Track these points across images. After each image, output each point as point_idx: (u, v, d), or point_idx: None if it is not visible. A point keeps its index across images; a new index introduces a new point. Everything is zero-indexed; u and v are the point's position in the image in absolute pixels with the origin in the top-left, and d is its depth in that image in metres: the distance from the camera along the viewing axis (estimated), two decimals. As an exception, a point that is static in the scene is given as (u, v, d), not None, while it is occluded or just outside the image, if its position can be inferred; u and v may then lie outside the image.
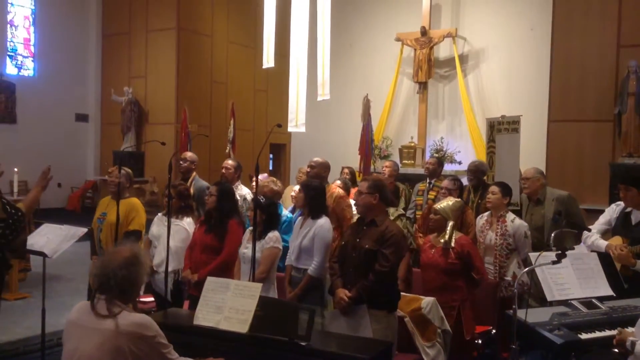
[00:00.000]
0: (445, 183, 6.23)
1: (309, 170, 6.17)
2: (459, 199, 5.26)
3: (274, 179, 6.34)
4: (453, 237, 4.81)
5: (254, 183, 6.73)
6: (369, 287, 4.02)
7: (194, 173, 6.85)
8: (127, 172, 5.59)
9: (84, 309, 2.81)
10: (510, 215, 5.49)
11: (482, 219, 5.66)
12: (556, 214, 5.48)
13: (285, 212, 5.87)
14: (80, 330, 2.76)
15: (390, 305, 4.13)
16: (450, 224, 4.85)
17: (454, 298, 4.68)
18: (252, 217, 4.62)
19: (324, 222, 4.77)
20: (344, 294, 4.09)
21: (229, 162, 6.76)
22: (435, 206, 5.12)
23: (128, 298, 2.81)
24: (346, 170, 7.76)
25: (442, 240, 4.83)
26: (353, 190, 6.72)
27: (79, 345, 2.73)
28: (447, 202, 5.01)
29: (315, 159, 6.28)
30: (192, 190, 6.30)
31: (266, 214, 4.85)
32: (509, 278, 5.30)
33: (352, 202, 6.15)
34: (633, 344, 3.00)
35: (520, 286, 5.10)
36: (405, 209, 7.25)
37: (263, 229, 4.81)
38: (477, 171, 6.89)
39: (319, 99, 9.44)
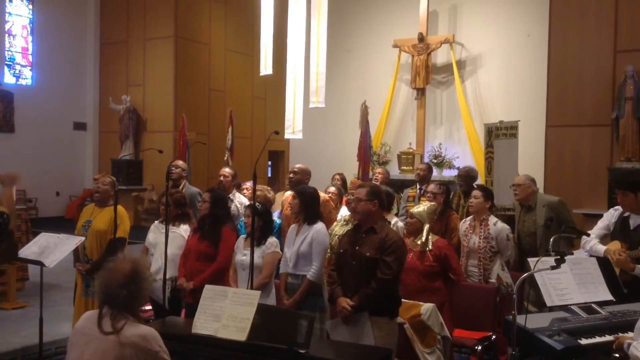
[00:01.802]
0: (431, 187, 6.28)
1: (291, 176, 6.28)
2: (434, 203, 5.34)
3: (268, 187, 6.50)
4: (430, 240, 4.88)
5: (244, 191, 6.91)
6: (371, 295, 4.00)
7: (184, 180, 7.01)
8: (111, 179, 5.62)
9: (91, 318, 2.85)
10: (493, 219, 5.58)
11: (466, 223, 5.75)
12: (548, 220, 5.51)
13: (274, 218, 5.93)
14: (85, 339, 2.78)
15: (391, 312, 4.12)
16: (426, 227, 4.92)
17: (433, 300, 4.69)
18: (248, 223, 4.63)
19: (320, 227, 4.76)
20: (346, 302, 4.06)
21: (227, 170, 6.85)
22: (411, 210, 5.18)
23: (133, 310, 2.84)
24: (337, 177, 7.78)
25: (418, 243, 4.89)
26: (345, 198, 6.76)
27: (83, 354, 2.75)
28: (423, 206, 5.10)
29: (298, 165, 6.44)
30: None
31: (262, 220, 4.86)
32: (493, 280, 5.38)
33: (345, 208, 6.22)
34: (629, 345, 3.01)
35: (505, 287, 5.17)
36: (396, 214, 7.30)
37: (260, 234, 4.83)
38: (467, 177, 6.95)
39: (311, 105, 9.45)
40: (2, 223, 4.19)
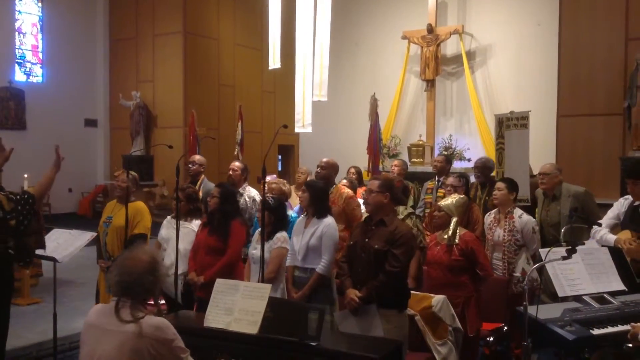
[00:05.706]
0: (451, 180, 6.20)
1: (318, 170, 6.13)
2: (464, 196, 5.24)
3: (284, 180, 6.39)
4: (457, 234, 4.79)
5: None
6: (379, 287, 4.00)
7: (203, 176, 6.88)
8: (134, 175, 5.60)
9: (103, 311, 2.85)
10: (518, 211, 5.45)
11: (490, 216, 5.63)
12: (572, 210, 5.42)
13: (290, 212, 5.89)
14: (99, 332, 2.78)
15: (400, 304, 4.11)
16: (454, 220, 4.84)
17: (458, 295, 4.66)
18: (260, 217, 4.63)
19: (330, 221, 4.76)
20: (354, 294, 4.06)
21: (236, 164, 6.77)
22: (439, 203, 5.10)
23: (154, 297, 2.88)
24: (352, 170, 7.74)
25: (445, 237, 4.82)
26: (360, 190, 6.72)
27: (97, 347, 2.75)
28: (451, 199, 5.00)
29: (325, 159, 6.20)
30: (201, 193, 6.33)
31: (275, 214, 4.86)
32: (518, 274, 5.27)
33: (361, 201, 6.17)
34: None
35: (530, 282, 5.09)
36: (414, 207, 7.22)
37: (272, 229, 4.83)
38: (484, 168, 6.86)
39: (314, 99, 9.38)
40: (26, 203, 4.19)
